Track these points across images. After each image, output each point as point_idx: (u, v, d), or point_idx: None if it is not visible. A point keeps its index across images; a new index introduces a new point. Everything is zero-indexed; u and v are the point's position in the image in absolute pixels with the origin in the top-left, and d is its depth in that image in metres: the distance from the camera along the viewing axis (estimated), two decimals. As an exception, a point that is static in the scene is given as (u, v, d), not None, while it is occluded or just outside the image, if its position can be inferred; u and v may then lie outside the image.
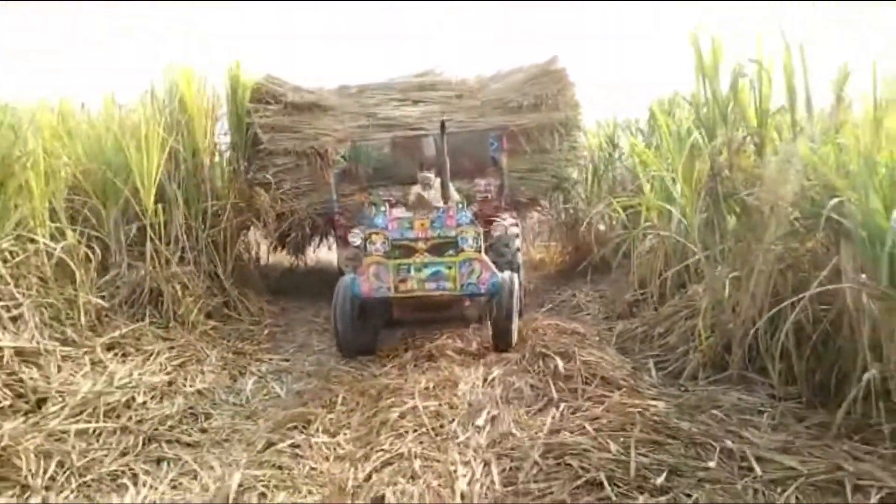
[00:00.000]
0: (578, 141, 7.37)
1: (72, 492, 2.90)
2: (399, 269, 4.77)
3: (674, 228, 4.69)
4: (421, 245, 4.80)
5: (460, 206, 5.09)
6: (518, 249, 5.97)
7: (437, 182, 5.73)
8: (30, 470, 2.93)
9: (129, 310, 5.18)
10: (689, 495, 2.53)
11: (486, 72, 7.80)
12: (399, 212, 5.10)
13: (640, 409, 3.29)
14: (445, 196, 5.25)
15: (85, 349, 4.33)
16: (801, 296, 3.18)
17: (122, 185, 5.55)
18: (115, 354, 4.45)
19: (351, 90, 7.56)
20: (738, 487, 2.58)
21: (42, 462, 3.02)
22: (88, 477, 3.00)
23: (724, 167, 3.69)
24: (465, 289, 4.79)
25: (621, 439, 2.92)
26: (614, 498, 2.51)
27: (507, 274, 4.91)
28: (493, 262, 5.03)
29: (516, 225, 6.23)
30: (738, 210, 3.77)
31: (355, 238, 5.51)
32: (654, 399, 3.48)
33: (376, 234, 4.83)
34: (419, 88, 7.51)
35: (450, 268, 4.75)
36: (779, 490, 2.57)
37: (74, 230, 5.03)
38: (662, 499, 2.50)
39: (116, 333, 4.68)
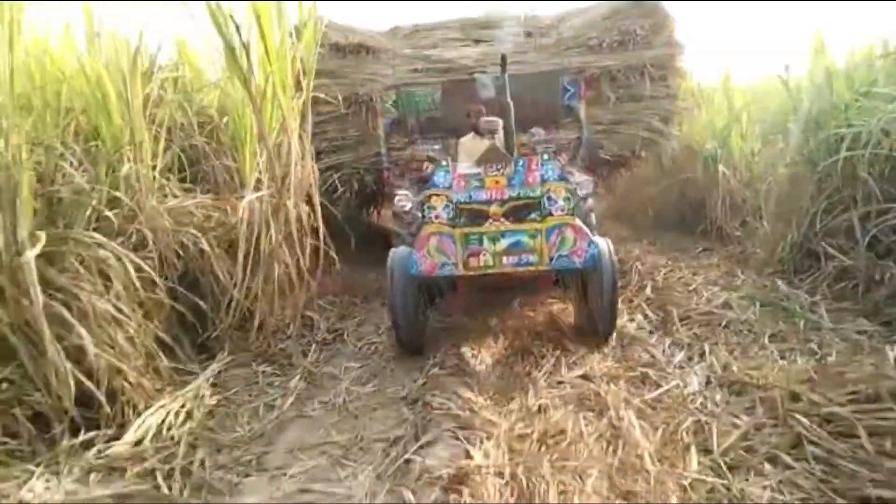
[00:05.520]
0: (674, 87, 6.28)
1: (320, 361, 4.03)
2: (468, 240, 3.79)
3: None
4: (495, 209, 3.81)
5: (546, 156, 3.96)
6: (591, 210, 4.96)
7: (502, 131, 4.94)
8: (292, 353, 4.04)
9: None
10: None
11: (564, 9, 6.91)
12: (466, 167, 4.02)
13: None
14: (510, 146, 4.61)
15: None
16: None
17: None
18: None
19: (404, 31, 6.85)
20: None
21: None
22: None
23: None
24: (555, 262, 3.78)
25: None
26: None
27: (603, 241, 3.93)
28: None
29: (591, 182, 5.21)
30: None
31: (403, 202, 4.70)
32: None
33: (437, 195, 3.84)
34: (481, 26, 6.72)
35: (534, 237, 3.78)
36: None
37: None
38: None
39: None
